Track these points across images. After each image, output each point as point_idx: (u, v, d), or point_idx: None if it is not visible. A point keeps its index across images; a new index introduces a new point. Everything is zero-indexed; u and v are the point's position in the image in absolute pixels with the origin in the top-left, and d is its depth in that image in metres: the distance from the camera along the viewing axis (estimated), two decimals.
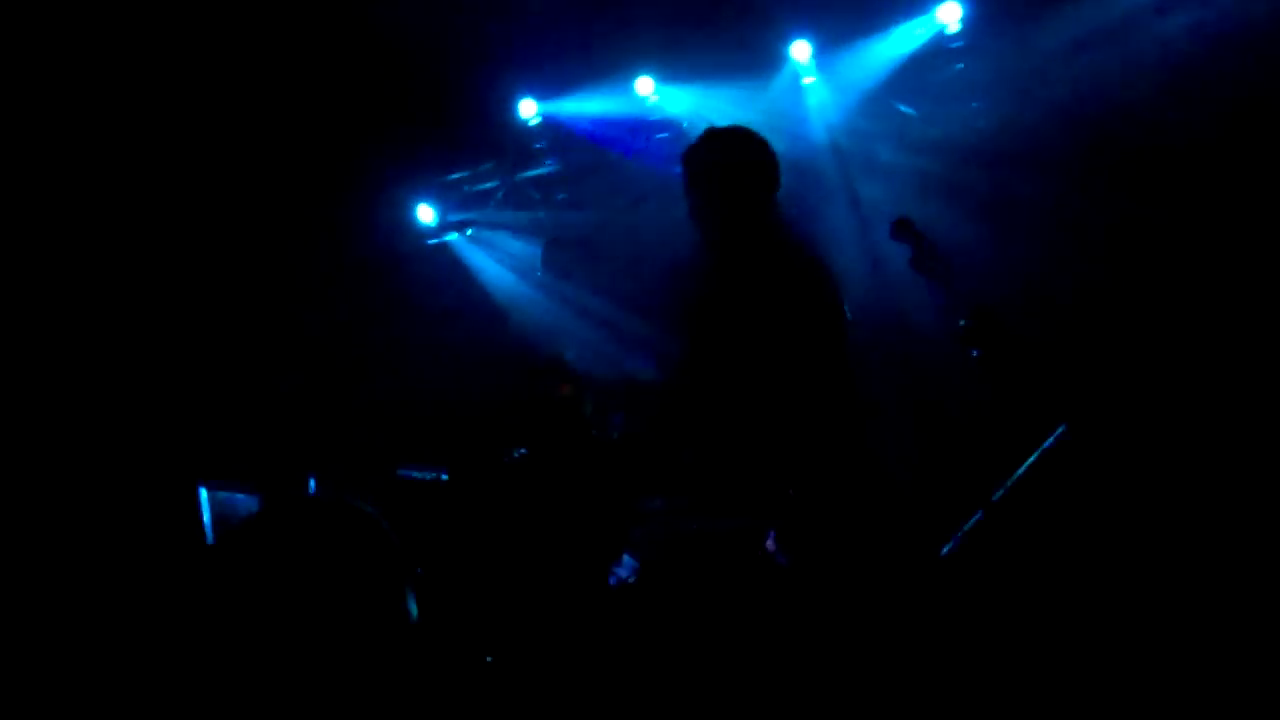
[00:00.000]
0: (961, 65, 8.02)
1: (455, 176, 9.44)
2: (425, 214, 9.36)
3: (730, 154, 5.25)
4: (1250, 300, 6.74)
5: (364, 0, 8.11)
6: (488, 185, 9.50)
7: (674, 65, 8.57)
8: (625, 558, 5.20)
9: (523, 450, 5.85)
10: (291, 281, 8.75)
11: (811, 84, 8.33)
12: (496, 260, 9.49)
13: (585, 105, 8.91)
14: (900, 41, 8.01)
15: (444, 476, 5.82)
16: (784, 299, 5.10)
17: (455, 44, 8.39)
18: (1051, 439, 5.10)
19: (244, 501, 5.88)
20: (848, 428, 4.98)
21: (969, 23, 7.81)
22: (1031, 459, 5.24)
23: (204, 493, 6.04)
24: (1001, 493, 5.21)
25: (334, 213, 8.85)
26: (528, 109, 8.94)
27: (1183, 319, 6.86)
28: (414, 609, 2.71)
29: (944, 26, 7.85)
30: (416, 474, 5.93)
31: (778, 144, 5.28)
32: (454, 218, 9.47)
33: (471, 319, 9.18)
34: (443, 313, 9.09)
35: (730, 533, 4.94)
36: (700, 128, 5.54)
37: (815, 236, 5.41)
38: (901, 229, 5.04)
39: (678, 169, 5.35)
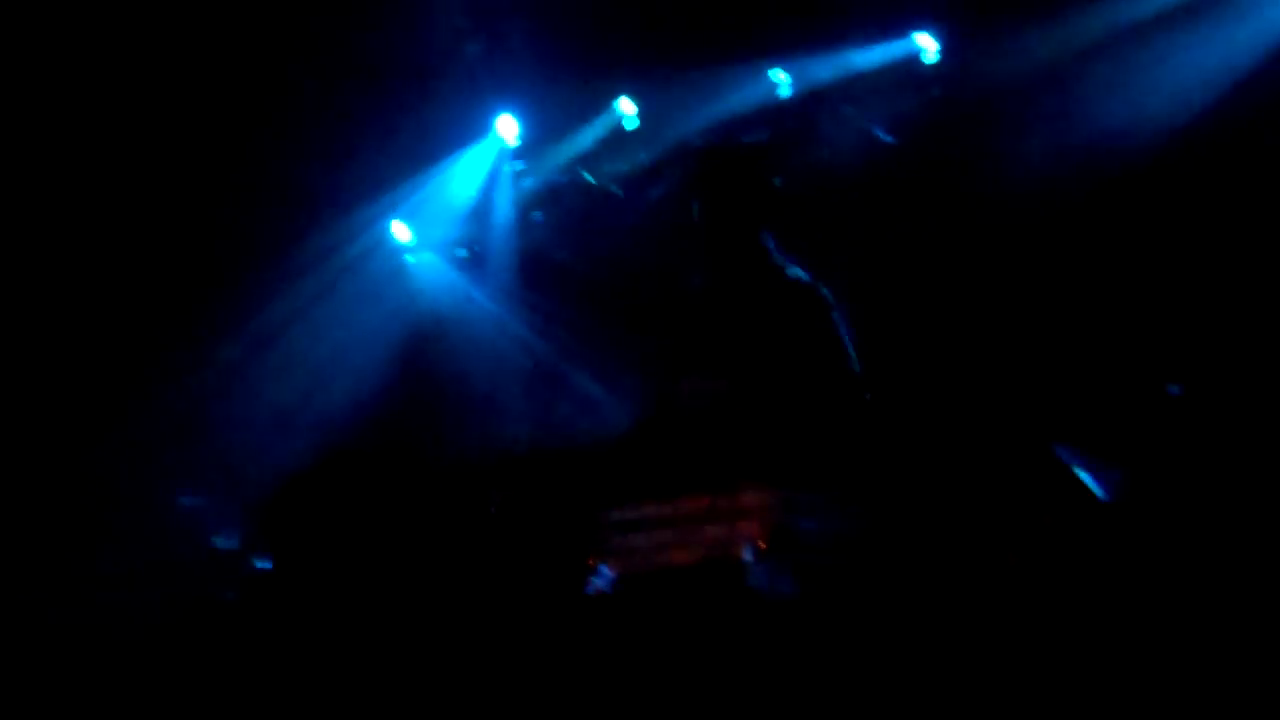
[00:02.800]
0: (937, 92, 8.07)
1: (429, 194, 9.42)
2: (400, 231, 9.35)
3: (742, 166, 5.39)
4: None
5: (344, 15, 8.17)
6: (465, 205, 9.48)
7: (658, 87, 8.65)
8: (602, 568, 5.21)
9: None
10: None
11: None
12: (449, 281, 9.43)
13: (566, 126, 8.98)
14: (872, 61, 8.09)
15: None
16: (783, 312, 5.21)
17: (435, 62, 8.47)
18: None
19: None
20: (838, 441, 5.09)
21: (944, 51, 7.88)
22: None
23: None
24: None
25: (306, 226, 8.83)
26: (507, 127, 8.97)
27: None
28: None
29: (922, 51, 7.92)
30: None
31: None
32: (427, 236, 9.45)
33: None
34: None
35: (710, 543, 4.96)
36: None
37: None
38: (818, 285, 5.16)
39: (656, 193, 5.47)
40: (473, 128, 8.98)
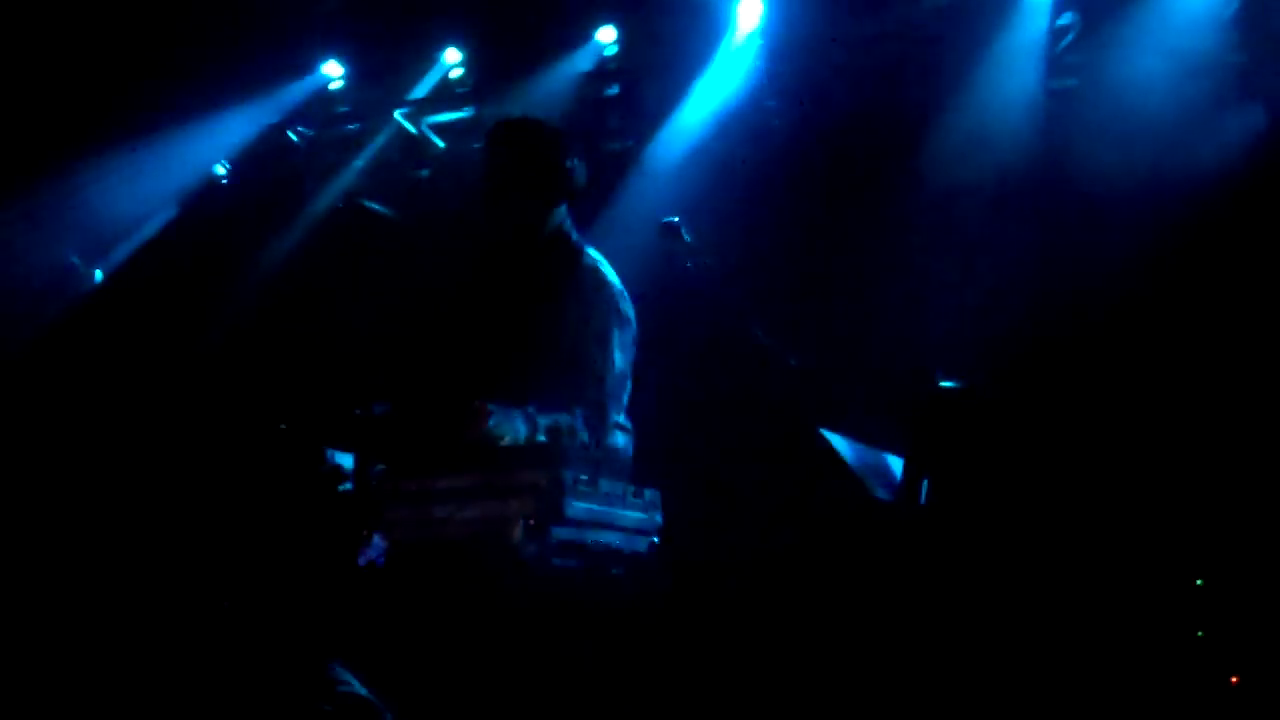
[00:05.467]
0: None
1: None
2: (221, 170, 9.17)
3: (538, 148, 5.30)
4: None
5: None
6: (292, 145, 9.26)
7: (483, 37, 8.52)
8: (375, 539, 5.15)
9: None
10: None
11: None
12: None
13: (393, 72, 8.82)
14: None
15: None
16: (559, 299, 5.19)
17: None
18: None
19: None
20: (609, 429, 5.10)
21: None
22: None
23: None
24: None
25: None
26: (332, 70, 8.81)
27: None
28: None
29: None
30: None
31: None
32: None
33: None
34: None
35: (482, 519, 4.93)
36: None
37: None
38: (668, 231, 5.12)
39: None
40: (297, 69, 8.82)
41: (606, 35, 8.19)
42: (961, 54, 7.53)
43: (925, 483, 5.06)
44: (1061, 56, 7.48)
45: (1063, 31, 7.44)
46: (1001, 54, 7.48)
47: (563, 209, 5.37)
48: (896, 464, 5.29)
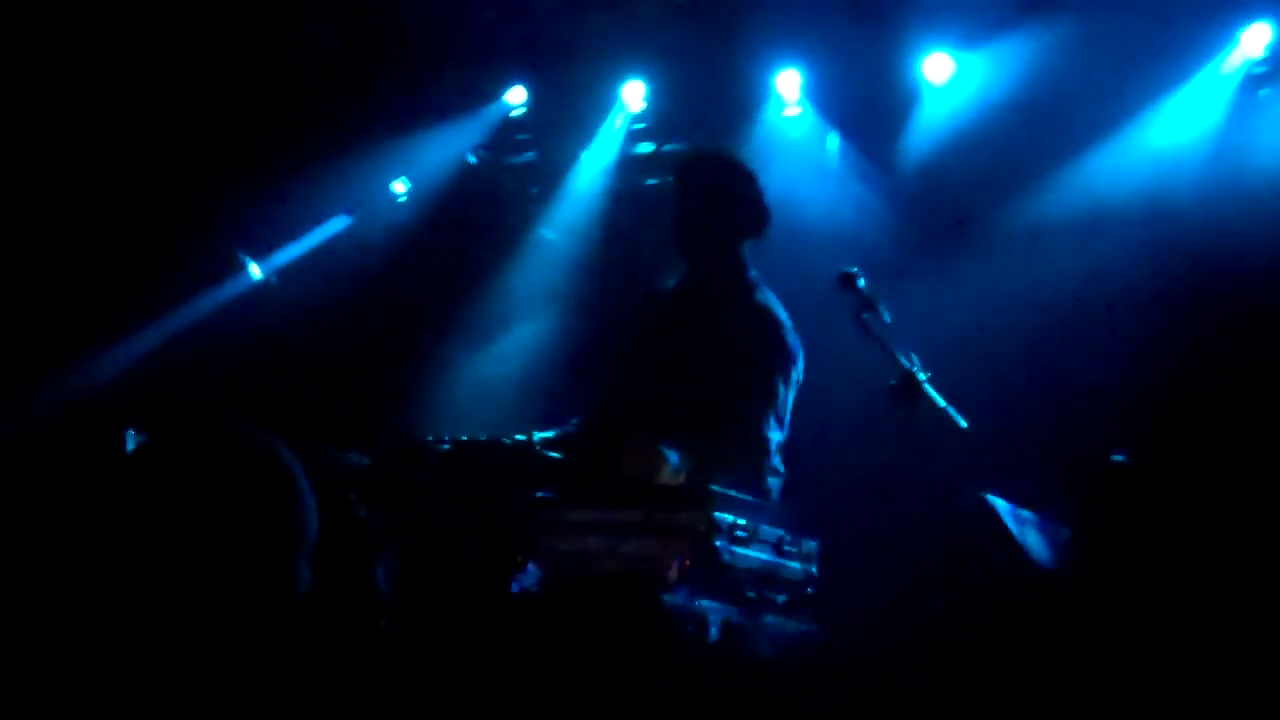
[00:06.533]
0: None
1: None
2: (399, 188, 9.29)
3: (733, 182, 5.31)
4: None
5: None
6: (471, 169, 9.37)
7: (664, 76, 8.55)
8: (530, 566, 5.17)
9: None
10: None
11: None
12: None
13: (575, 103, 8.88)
14: None
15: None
16: (738, 338, 5.19)
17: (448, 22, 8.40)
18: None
19: None
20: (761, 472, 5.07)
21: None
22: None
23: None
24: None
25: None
26: (516, 95, 8.90)
27: None
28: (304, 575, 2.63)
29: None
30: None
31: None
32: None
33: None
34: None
35: (637, 556, 4.92)
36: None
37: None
38: (846, 282, 5.07)
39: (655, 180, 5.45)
40: (481, 94, 8.91)
41: (789, 84, 8.15)
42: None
43: (1091, 556, 4.96)
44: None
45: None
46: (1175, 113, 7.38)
47: (744, 244, 5.37)
48: (1061, 534, 5.20)
